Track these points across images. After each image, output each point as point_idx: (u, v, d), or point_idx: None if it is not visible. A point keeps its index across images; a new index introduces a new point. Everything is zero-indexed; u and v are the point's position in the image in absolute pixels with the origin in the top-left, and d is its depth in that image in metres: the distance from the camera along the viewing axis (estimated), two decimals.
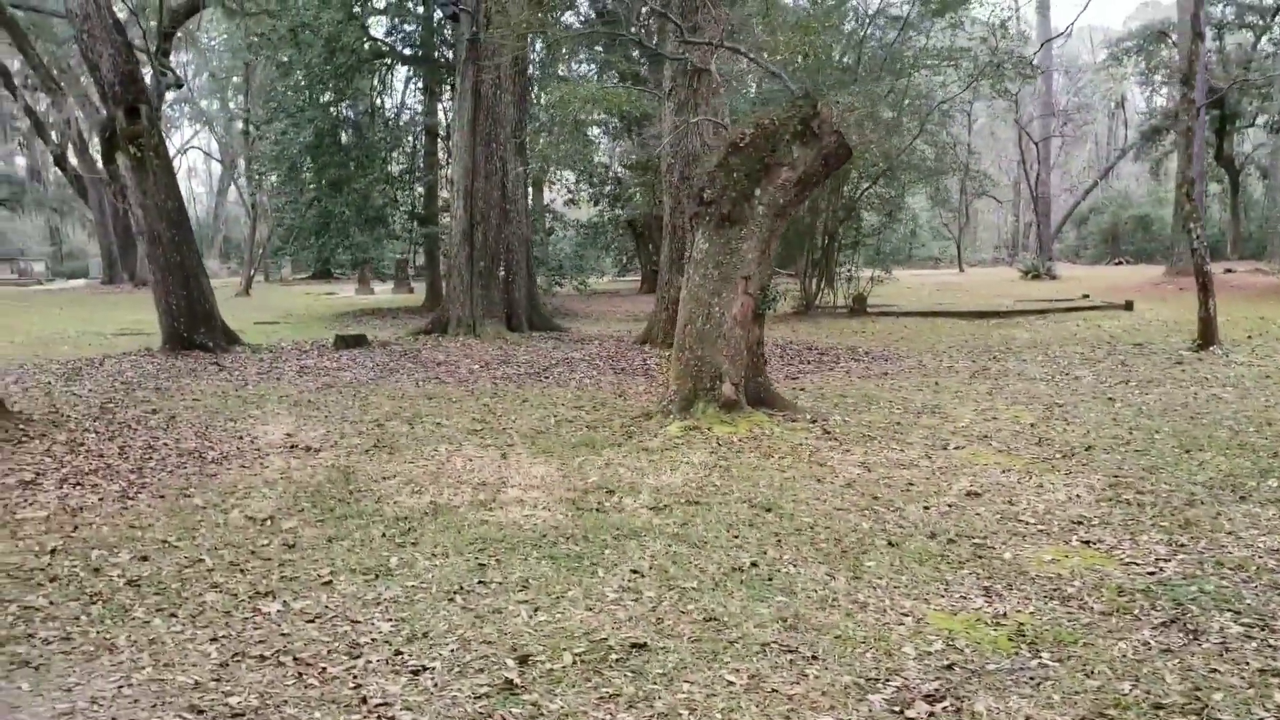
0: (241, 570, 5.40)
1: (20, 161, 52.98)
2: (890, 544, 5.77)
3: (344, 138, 23.38)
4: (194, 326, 14.47)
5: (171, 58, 16.59)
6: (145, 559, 5.56)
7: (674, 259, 14.54)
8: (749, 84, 19.21)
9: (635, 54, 22.98)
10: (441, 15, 19.74)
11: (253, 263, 35.51)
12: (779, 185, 9.12)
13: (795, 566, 5.41)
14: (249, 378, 12.85)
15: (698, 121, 12.13)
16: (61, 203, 52.37)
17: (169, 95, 27.14)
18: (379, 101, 25.05)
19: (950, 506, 6.53)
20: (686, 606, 4.84)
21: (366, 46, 22.68)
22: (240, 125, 36.90)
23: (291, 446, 8.59)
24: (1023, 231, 49.20)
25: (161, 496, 6.95)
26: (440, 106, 24.70)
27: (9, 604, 4.85)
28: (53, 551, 5.65)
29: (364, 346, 15.34)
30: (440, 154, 24.85)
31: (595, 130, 28.65)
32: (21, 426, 8.91)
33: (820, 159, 9.22)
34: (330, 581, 5.24)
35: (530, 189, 22.42)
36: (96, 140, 32.95)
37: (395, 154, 25.40)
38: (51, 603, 4.89)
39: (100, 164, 37.43)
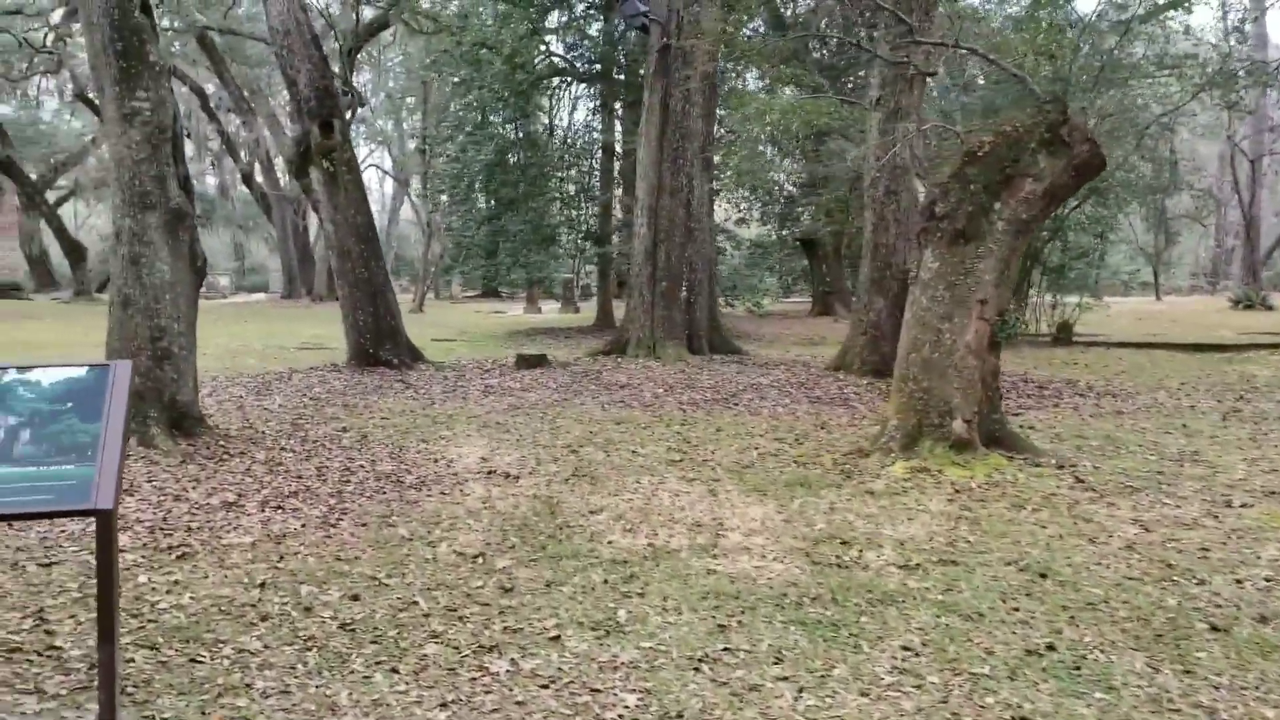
0: (460, 618, 4.89)
1: (210, 180, 56.36)
2: (1213, 629, 4.76)
3: (519, 157, 23.43)
4: (380, 342, 14.48)
5: (352, 78, 16.82)
6: (356, 598, 5.13)
7: (875, 279, 13.64)
8: (961, 90, 18.05)
9: (819, 63, 22.09)
10: (626, 27, 19.42)
11: (425, 279, 36.33)
12: (1022, 199, 8.16)
13: (1102, 652, 4.49)
14: (435, 396, 12.67)
15: (920, 131, 11.22)
16: (246, 219, 55.27)
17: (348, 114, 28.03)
18: (555, 119, 25.07)
19: (1269, 581, 5.44)
20: (984, 699, 4.02)
21: (545, 64, 22.70)
22: (415, 144, 37.90)
23: (489, 472, 8.17)
24: (1224, 258, 45.44)
25: (364, 524, 6.59)
26: (616, 124, 24.50)
27: (224, 645, 4.47)
28: (262, 585, 5.29)
29: (545, 366, 15.04)
30: (616, 172, 24.64)
31: (768, 147, 27.92)
32: (222, 443, 8.83)
33: (1070, 170, 8.21)
34: (558, 637, 4.66)
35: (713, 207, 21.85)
36: (281, 159, 34.46)
37: (571, 172, 25.35)
38: (266, 646, 4.48)
39: (285, 181, 39.34)
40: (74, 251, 36.93)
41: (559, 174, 24.46)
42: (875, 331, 13.56)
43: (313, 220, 40.91)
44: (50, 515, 4.13)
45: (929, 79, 11.38)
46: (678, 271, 15.94)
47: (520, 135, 23.83)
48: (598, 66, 23.58)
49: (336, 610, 4.96)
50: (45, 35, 31.51)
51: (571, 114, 40.18)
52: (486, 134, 22.02)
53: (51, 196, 41.33)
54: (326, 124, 13.90)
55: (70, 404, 3.56)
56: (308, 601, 5.07)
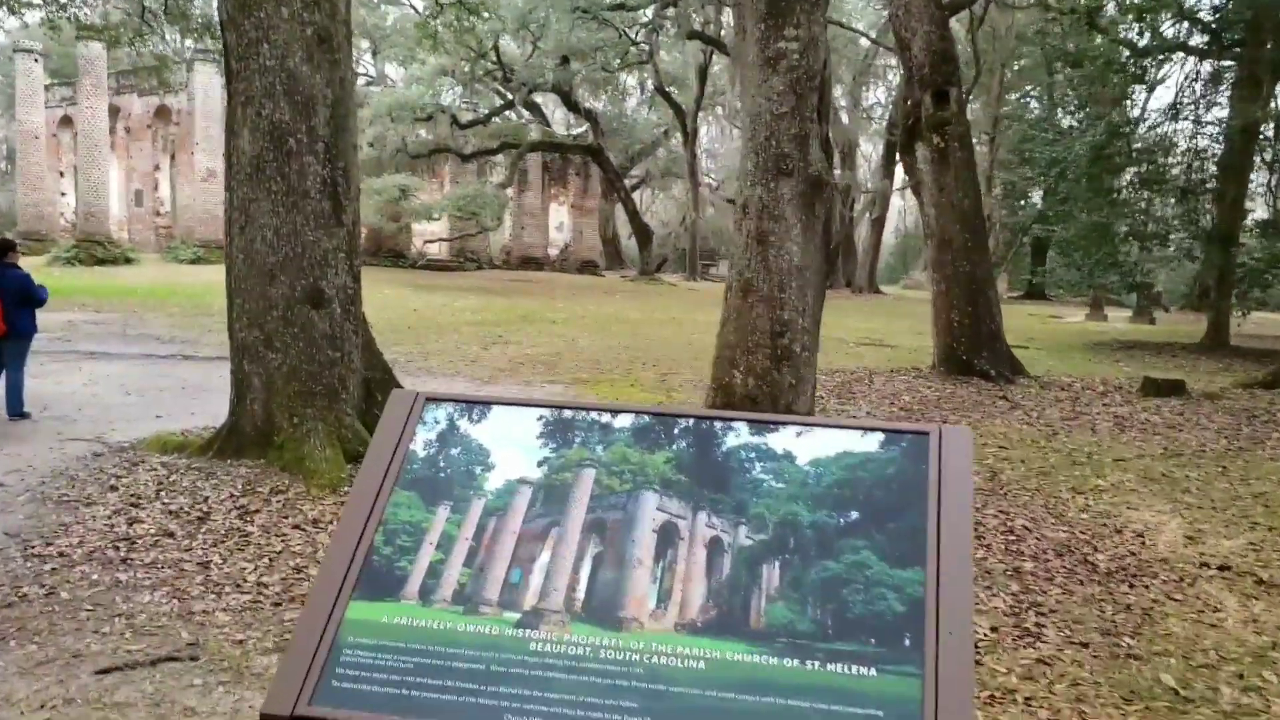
0: None
1: None
2: None
3: (1128, 143, 19.59)
4: (976, 348, 12.25)
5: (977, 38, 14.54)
6: None
7: None
8: None
9: None
10: None
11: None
12: None
13: None
14: (1054, 423, 10.17)
15: None
16: None
17: None
18: (1175, 99, 20.74)
19: None
20: None
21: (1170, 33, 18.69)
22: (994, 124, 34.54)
23: (1222, 568, 5.56)
24: None
25: (1080, 643, 4.41)
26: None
27: None
28: None
29: (1183, 397, 11.72)
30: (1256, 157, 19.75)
31: None
32: None
33: None
34: None
35: None
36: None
37: (1183, 158, 20.89)
38: None
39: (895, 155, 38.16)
40: (642, 234, 39.62)
41: (1170, 161, 20.14)
42: None
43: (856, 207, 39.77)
44: None
45: None
46: None
47: (1132, 117, 19.93)
48: (1229, 36, 18.88)
49: None
50: (637, 31, 33.76)
51: (1175, 94, 34.29)
52: (1092, 114, 18.58)
53: (627, 184, 44.95)
54: (941, 93, 11.92)
55: (869, 516, 1.81)
56: None
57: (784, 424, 2.01)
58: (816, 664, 1.69)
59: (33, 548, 5.16)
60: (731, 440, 2.00)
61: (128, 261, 31.51)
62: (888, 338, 19.77)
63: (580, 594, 1.85)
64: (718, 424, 2.03)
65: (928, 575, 1.75)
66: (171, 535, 5.45)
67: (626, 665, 1.73)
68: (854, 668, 1.68)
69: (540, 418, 2.11)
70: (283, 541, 5.43)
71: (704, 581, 1.83)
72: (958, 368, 12.37)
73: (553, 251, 43.65)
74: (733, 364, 7.01)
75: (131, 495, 6.10)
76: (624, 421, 2.07)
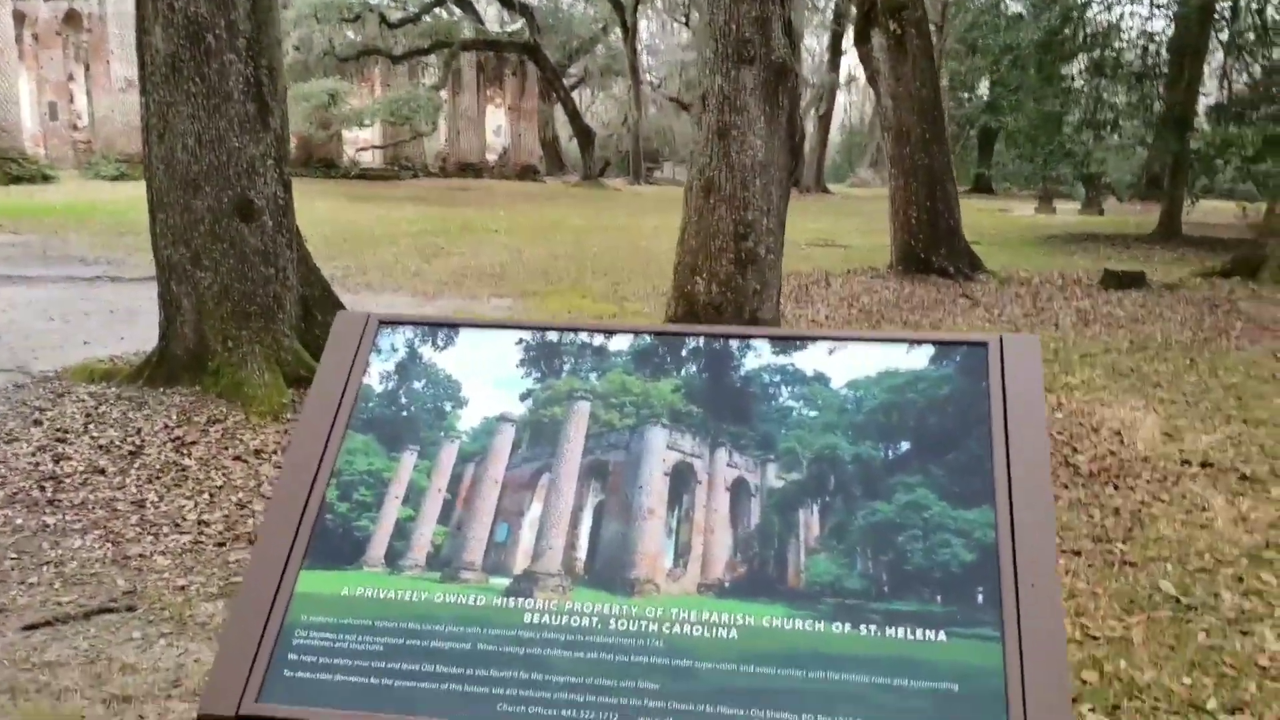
0: None
1: None
2: None
3: (1081, 27, 19.19)
4: (934, 245, 12.05)
5: None
6: None
7: None
8: None
9: None
10: None
11: None
12: None
13: None
14: (1016, 320, 10.06)
15: None
16: None
17: None
18: None
19: None
20: None
21: None
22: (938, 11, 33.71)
23: (1204, 465, 5.45)
24: None
25: (1072, 550, 4.26)
26: None
27: None
28: None
29: (1143, 289, 11.67)
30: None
31: None
32: None
33: None
34: None
35: None
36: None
37: (1136, 41, 20.57)
38: None
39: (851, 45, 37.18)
40: (584, 136, 38.59)
41: (1106, 45, 19.77)
42: None
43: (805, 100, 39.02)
44: None
45: None
46: None
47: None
48: None
49: None
50: None
51: None
52: None
53: (565, 84, 43.57)
54: None
55: (923, 447, 1.52)
56: None
57: (813, 339, 1.68)
58: (873, 629, 1.41)
59: None
60: (751, 361, 1.67)
61: (45, 179, 29.93)
62: (839, 238, 19.52)
63: (581, 553, 1.53)
64: (733, 342, 1.69)
65: (998, 515, 1.46)
66: (102, 472, 5.05)
67: (642, 638, 1.43)
68: (918, 632, 1.39)
69: (520, 341, 1.76)
70: (224, 475, 5.06)
71: (729, 532, 1.52)
72: (916, 266, 12.17)
73: (491, 157, 42.37)
74: (694, 271, 6.67)
75: (58, 429, 5.65)
76: (621, 344, 1.73)
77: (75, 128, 36.38)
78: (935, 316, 10.21)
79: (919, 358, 1.64)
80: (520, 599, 1.49)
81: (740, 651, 1.40)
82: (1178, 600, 3.78)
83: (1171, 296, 11.27)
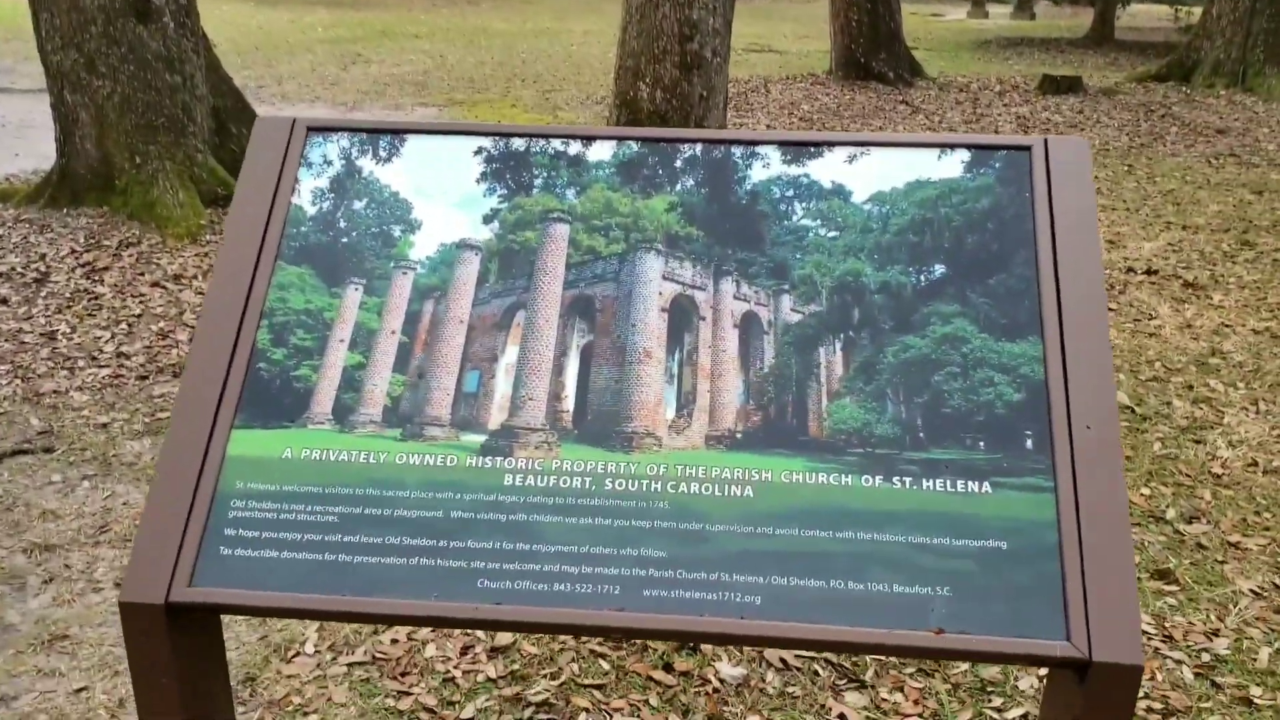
0: None
1: None
2: None
3: None
4: (875, 50, 11.58)
5: None
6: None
7: None
8: None
9: None
10: None
11: None
12: None
13: None
14: (956, 127, 9.83)
15: None
16: None
17: None
18: None
19: None
20: None
21: None
22: None
23: (1149, 272, 5.43)
24: None
25: None
26: None
27: None
28: None
29: (1081, 94, 11.46)
30: None
31: None
32: None
33: None
34: None
35: None
36: None
37: None
38: None
39: None
40: None
41: None
42: None
43: None
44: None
45: None
46: None
47: None
48: None
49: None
50: None
51: None
52: None
53: None
54: None
55: (960, 270, 1.30)
56: None
57: (830, 144, 1.43)
58: (907, 482, 1.23)
59: None
60: (758, 172, 1.42)
61: None
62: (774, 43, 18.77)
63: (567, 403, 1.31)
64: (736, 150, 1.43)
65: (1048, 348, 1.27)
66: (5, 302, 4.64)
67: (643, 499, 1.24)
68: (960, 483, 1.22)
69: (479, 151, 1.46)
70: (141, 303, 4.69)
71: (739, 376, 1.31)
72: (856, 71, 11.73)
73: None
74: (637, 75, 6.23)
75: None
76: (602, 152, 1.45)
77: None
78: (876, 124, 9.92)
79: (952, 165, 1.41)
80: (498, 458, 1.27)
81: (756, 512, 1.22)
82: (1132, 410, 3.76)
83: (1108, 102, 11.09)
